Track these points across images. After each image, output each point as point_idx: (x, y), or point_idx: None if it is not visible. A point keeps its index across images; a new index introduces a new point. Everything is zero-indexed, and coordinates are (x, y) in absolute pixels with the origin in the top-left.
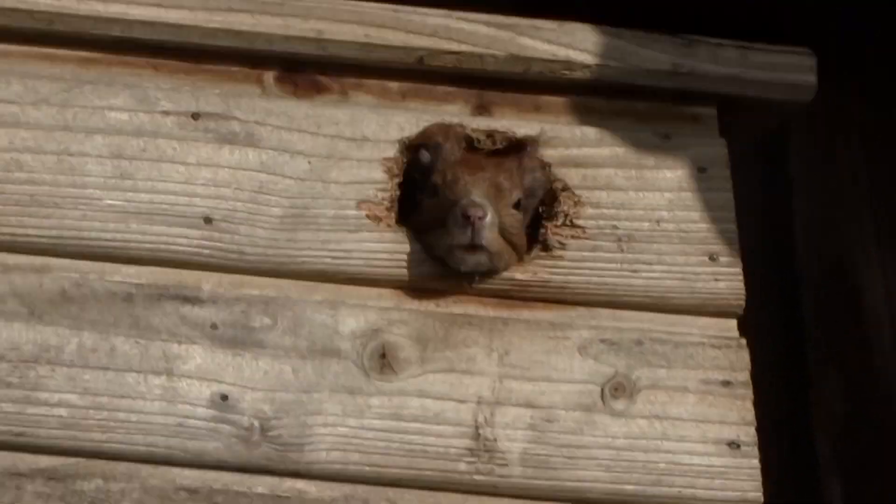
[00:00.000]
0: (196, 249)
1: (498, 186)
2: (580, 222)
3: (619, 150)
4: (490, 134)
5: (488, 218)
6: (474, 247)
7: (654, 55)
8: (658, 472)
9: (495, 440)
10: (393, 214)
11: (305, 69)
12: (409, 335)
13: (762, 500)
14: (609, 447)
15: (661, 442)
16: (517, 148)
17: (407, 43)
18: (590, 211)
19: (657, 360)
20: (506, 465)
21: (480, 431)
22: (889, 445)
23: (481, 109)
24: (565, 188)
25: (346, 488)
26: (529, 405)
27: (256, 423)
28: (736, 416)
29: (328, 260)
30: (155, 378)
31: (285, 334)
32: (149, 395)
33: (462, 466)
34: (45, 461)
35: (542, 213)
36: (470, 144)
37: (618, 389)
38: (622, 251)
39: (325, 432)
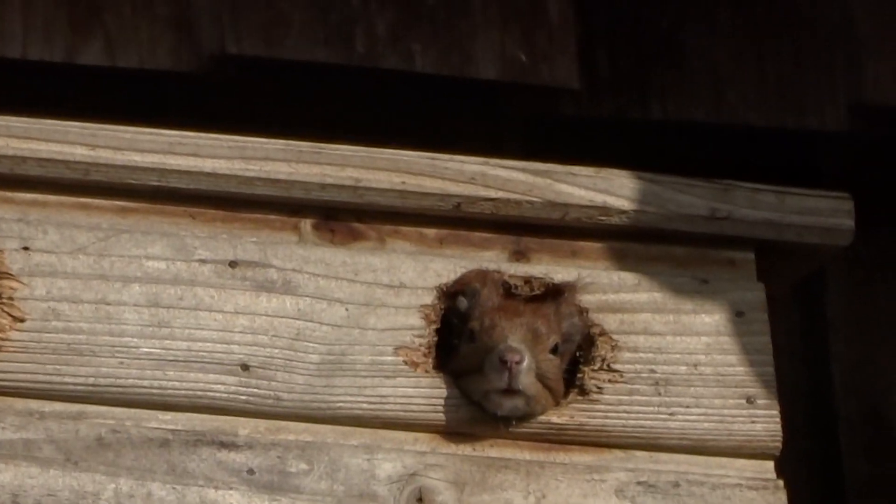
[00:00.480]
0: (233, 396)
1: (535, 332)
2: (617, 366)
3: (657, 296)
4: (528, 280)
5: (525, 363)
6: (511, 391)
7: (692, 200)
8: None
9: None
10: (430, 360)
11: (342, 216)
12: (446, 479)
13: None
14: None
15: None
16: (554, 293)
17: (444, 190)
18: (627, 355)
19: (695, 502)
20: None
21: None
22: None
23: (519, 255)
24: (602, 333)
25: None
26: None
27: None
28: None
29: (365, 405)
30: None
31: (322, 479)
32: None
33: None
34: None
35: (579, 358)
36: (507, 290)
37: None
38: (659, 395)
39: None
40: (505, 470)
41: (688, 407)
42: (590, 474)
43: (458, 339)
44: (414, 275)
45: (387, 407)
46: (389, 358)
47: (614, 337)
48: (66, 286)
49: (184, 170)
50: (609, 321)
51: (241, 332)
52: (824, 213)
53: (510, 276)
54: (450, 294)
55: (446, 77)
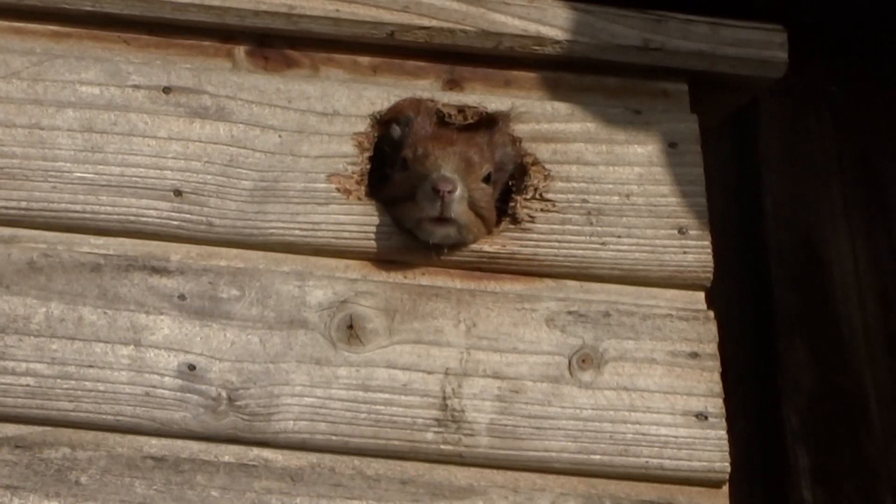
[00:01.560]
0: (165, 221)
1: (468, 161)
2: (550, 196)
3: (590, 126)
4: (461, 109)
5: (458, 191)
6: (443, 219)
7: (625, 31)
8: (625, 442)
9: (463, 411)
10: (363, 188)
11: (276, 44)
12: (377, 306)
13: (729, 470)
14: (576, 418)
15: (629, 413)
16: (488, 123)
17: (377, 18)
18: (559, 185)
19: (625, 332)
20: (473, 435)
21: (448, 402)
22: (855, 415)
23: (452, 84)
24: (535, 162)
25: (313, 457)
26: (497, 376)
27: (224, 393)
28: (703, 388)
29: (297, 232)
30: (123, 348)
31: (253, 305)
32: (116, 364)
33: (429, 436)
34: (11, 429)
35: (511, 187)
36: (441, 119)
37: (585, 361)
38: (591, 224)
39: (292, 402)
40: (436, 298)
41: (619, 237)
42: (521, 303)
43: (391, 168)
44: (347, 102)
45: (318, 234)
46: (322, 185)
47: (547, 166)
48: (0, 110)
49: None
50: (542, 151)
51: (174, 158)
52: (757, 45)
53: (444, 105)
54: (383, 122)
55: None
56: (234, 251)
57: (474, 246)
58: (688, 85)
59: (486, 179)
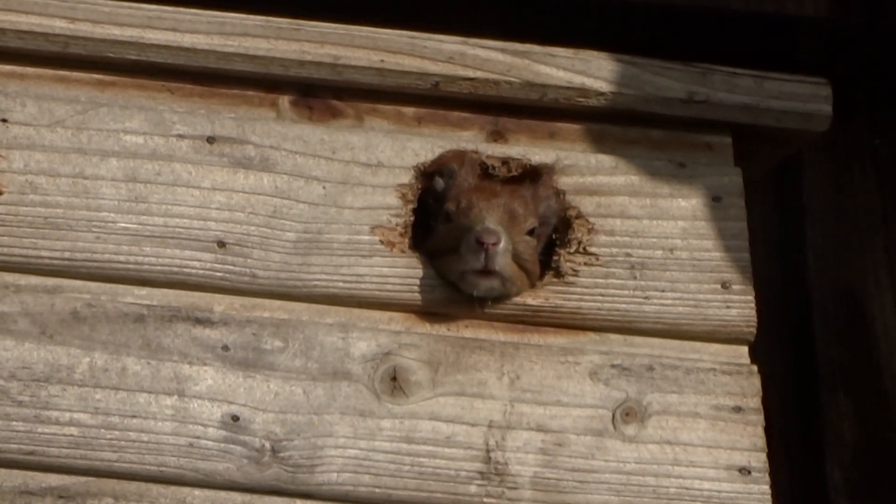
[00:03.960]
0: (209, 272)
1: (512, 213)
2: (593, 249)
3: (634, 179)
4: (505, 161)
5: (502, 244)
6: (487, 272)
7: (669, 83)
8: (668, 496)
9: (506, 464)
10: (406, 240)
11: (321, 94)
12: (420, 358)
13: None
14: (620, 472)
15: (672, 467)
16: (532, 175)
17: (422, 69)
18: (603, 238)
19: (668, 386)
20: (516, 488)
21: (491, 455)
22: None
23: (496, 136)
24: (579, 216)
25: None
26: (540, 429)
27: (267, 445)
28: (747, 442)
29: (340, 284)
30: (166, 398)
31: (296, 356)
32: (160, 415)
33: (472, 489)
34: (55, 479)
35: (555, 240)
36: (485, 171)
37: (629, 414)
38: (635, 278)
39: (335, 454)
40: (479, 351)
41: (663, 291)
42: (564, 356)
43: (435, 220)
44: (392, 153)
45: (362, 286)
46: (366, 237)
47: (591, 220)
48: (44, 159)
49: (162, 44)
50: (586, 204)
51: (217, 209)
52: (802, 99)
53: (488, 157)
54: (427, 174)
55: None
56: (278, 303)
57: (518, 299)
58: (732, 138)
59: (531, 232)
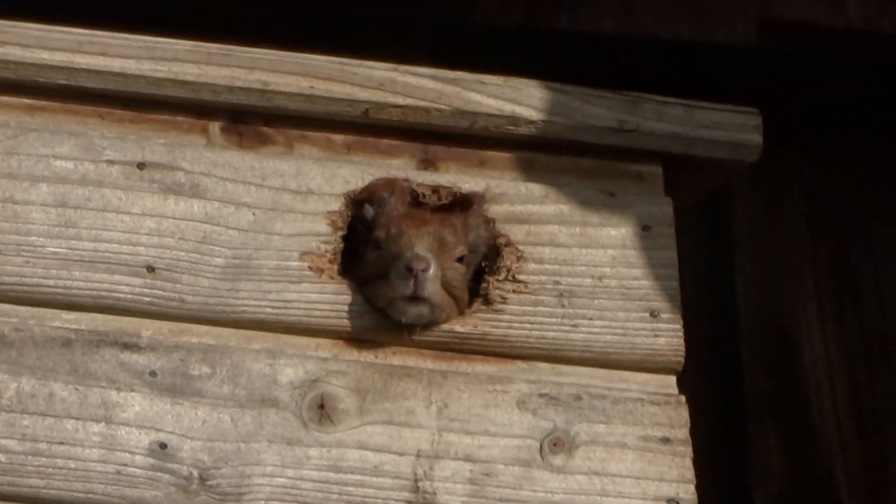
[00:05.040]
0: (137, 297)
1: (442, 240)
2: (522, 277)
3: (564, 207)
4: (435, 189)
5: (431, 270)
6: (416, 298)
7: (599, 112)
8: None
9: (434, 493)
10: (335, 266)
11: (250, 120)
12: (348, 386)
13: None
14: (547, 502)
15: (600, 498)
16: (462, 203)
17: (352, 96)
18: (532, 266)
19: (596, 416)
20: None
21: (419, 484)
22: (826, 501)
23: (427, 164)
24: (509, 243)
25: None
26: (468, 459)
27: (195, 472)
28: (675, 474)
29: (268, 310)
30: (94, 425)
31: (224, 383)
32: (87, 442)
33: None
34: None
35: (484, 268)
36: (415, 199)
37: (557, 445)
38: (563, 306)
39: (263, 482)
40: (407, 378)
41: (591, 319)
42: (492, 385)
43: (364, 247)
44: (321, 181)
45: (290, 312)
46: (295, 263)
47: (520, 248)
48: None
49: (92, 69)
50: (515, 232)
51: (147, 234)
52: (732, 128)
53: (418, 185)
54: (357, 201)
55: None
56: (206, 328)
57: (446, 326)
58: (662, 167)
59: (460, 259)
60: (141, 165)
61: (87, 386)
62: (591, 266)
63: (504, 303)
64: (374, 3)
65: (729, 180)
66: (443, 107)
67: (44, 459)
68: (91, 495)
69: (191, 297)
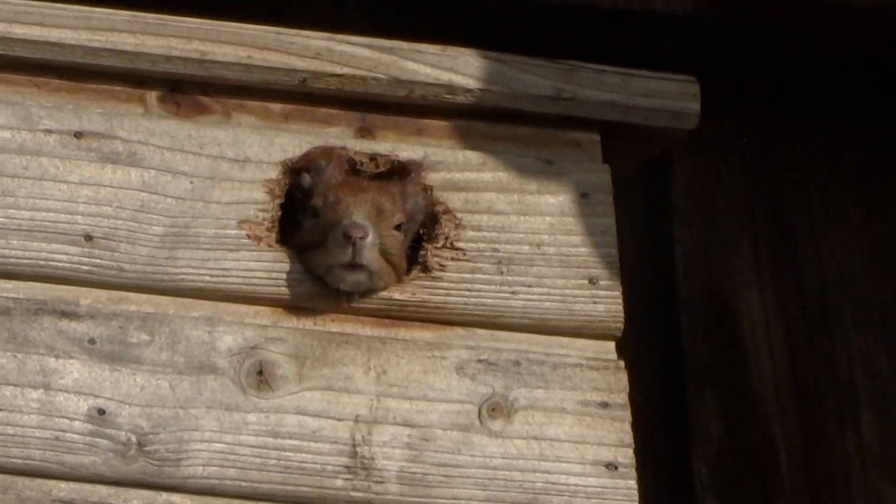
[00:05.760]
0: (75, 266)
1: (380, 208)
2: (460, 245)
3: (502, 175)
4: (373, 157)
5: (369, 238)
6: (354, 266)
7: (536, 80)
8: (535, 491)
9: (372, 458)
10: (273, 234)
11: (188, 90)
12: (287, 352)
13: None
14: (486, 466)
15: (539, 462)
16: (400, 171)
17: (289, 65)
18: (470, 234)
19: (535, 381)
20: (382, 482)
21: (358, 449)
22: (765, 466)
23: (364, 132)
24: (446, 211)
25: (222, 503)
26: (407, 424)
27: (133, 438)
28: (614, 438)
29: (207, 278)
30: (32, 391)
31: (162, 350)
32: (26, 408)
33: (339, 483)
34: None
35: (423, 236)
36: (353, 167)
37: (495, 409)
38: (501, 273)
39: (201, 448)
40: (346, 345)
41: (530, 286)
42: (430, 351)
43: (302, 215)
44: (259, 149)
45: (229, 280)
46: (233, 231)
47: (458, 215)
48: None
49: (29, 39)
50: (453, 200)
51: (85, 203)
52: (670, 97)
53: (356, 153)
54: (295, 170)
55: None
56: (145, 296)
57: (384, 293)
58: (600, 135)
59: (398, 227)
60: (78, 135)
61: (26, 353)
62: (530, 233)
63: (442, 270)
64: None
65: (667, 149)
66: (380, 76)
67: None
68: (29, 461)
69: (129, 266)
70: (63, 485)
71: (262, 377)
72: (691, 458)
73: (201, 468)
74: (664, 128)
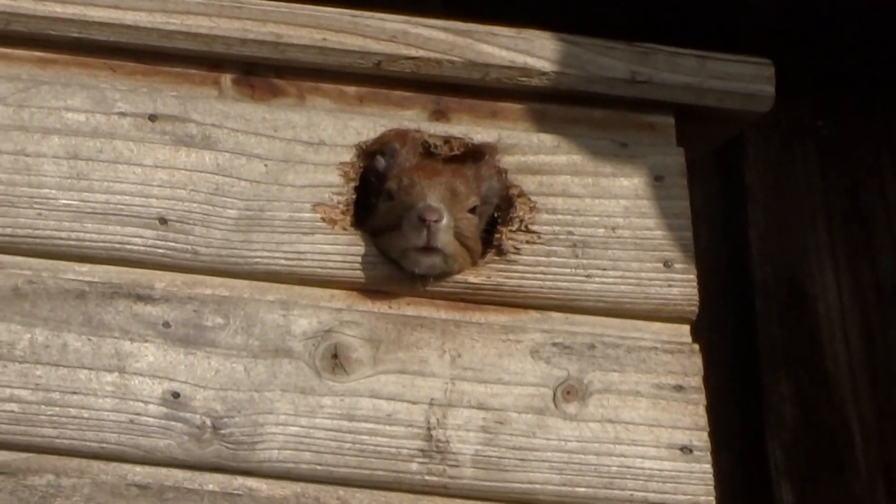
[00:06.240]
0: (150, 249)
1: (454, 191)
2: (535, 228)
3: (576, 158)
4: (447, 140)
5: (444, 221)
6: (429, 249)
7: (612, 63)
8: (610, 475)
9: (447, 441)
10: (348, 217)
11: (262, 72)
12: (362, 336)
13: None
14: (561, 450)
15: (614, 445)
16: (474, 154)
17: (364, 47)
18: (545, 217)
19: (610, 365)
20: (457, 466)
21: (432, 433)
22: (840, 449)
23: (438, 115)
24: (521, 194)
25: (297, 487)
26: (482, 407)
27: (208, 421)
28: (688, 421)
29: (282, 261)
30: (107, 375)
31: (237, 333)
32: (101, 391)
33: (413, 467)
34: None
35: (497, 219)
36: (427, 150)
37: (570, 393)
38: (577, 257)
39: (276, 431)
40: (420, 328)
41: (605, 269)
42: (505, 334)
43: (377, 198)
44: (333, 132)
45: (304, 263)
46: (307, 215)
47: (533, 198)
48: None
49: (104, 22)
50: (528, 182)
51: (159, 186)
52: (745, 79)
53: (430, 136)
54: (369, 153)
55: None
56: (219, 280)
57: (459, 277)
58: (674, 118)
59: (472, 210)
60: (152, 117)
61: (101, 337)
62: (604, 216)
63: (517, 253)
64: None
65: (741, 131)
66: (455, 58)
67: (57, 409)
68: (104, 445)
69: (204, 249)
70: (138, 468)
71: (336, 360)
72: (766, 441)
73: (276, 452)
74: (738, 110)
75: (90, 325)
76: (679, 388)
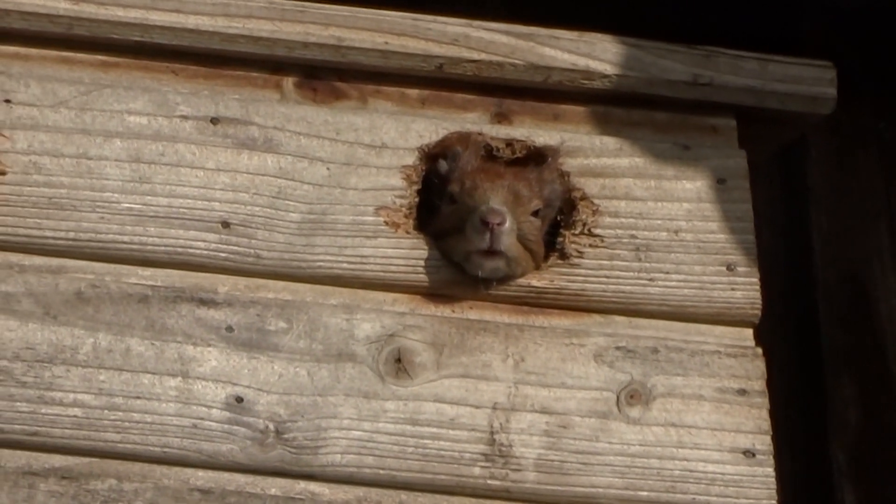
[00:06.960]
0: (213, 253)
1: (517, 194)
2: (598, 231)
3: (639, 161)
4: (509, 143)
5: (507, 224)
6: (492, 252)
7: (674, 66)
8: (672, 479)
9: (510, 446)
10: (411, 221)
11: (324, 75)
12: (425, 340)
13: None
14: (624, 454)
15: (677, 450)
16: (536, 157)
17: (426, 51)
18: (608, 220)
19: (673, 368)
20: (520, 470)
21: (495, 437)
22: None
23: (500, 118)
24: (584, 197)
25: (360, 491)
26: (545, 411)
27: (271, 426)
28: (751, 425)
29: (345, 265)
30: (170, 379)
31: (301, 338)
32: (164, 396)
33: (476, 471)
34: (58, 460)
35: (560, 222)
36: (489, 153)
37: (633, 397)
38: (640, 260)
39: (339, 435)
40: (484, 332)
41: (668, 273)
42: (569, 338)
43: (439, 201)
44: (396, 135)
45: (367, 267)
46: (370, 218)
47: (595, 201)
48: (48, 140)
49: (166, 25)
50: (590, 185)
51: (221, 190)
52: (806, 82)
53: (492, 139)
54: (431, 155)
55: None
56: (282, 283)
57: (522, 280)
58: (736, 121)
59: (535, 213)
60: (214, 121)
61: (164, 341)
62: (667, 219)
63: (580, 257)
64: None
65: (803, 133)
66: (517, 61)
67: (120, 414)
68: (167, 449)
69: (266, 253)
70: (201, 473)
71: (400, 365)
72: (829, 445)
73: (339, 456)
74: (800, 113)
75: (153, 329)
76: (742, 391)
